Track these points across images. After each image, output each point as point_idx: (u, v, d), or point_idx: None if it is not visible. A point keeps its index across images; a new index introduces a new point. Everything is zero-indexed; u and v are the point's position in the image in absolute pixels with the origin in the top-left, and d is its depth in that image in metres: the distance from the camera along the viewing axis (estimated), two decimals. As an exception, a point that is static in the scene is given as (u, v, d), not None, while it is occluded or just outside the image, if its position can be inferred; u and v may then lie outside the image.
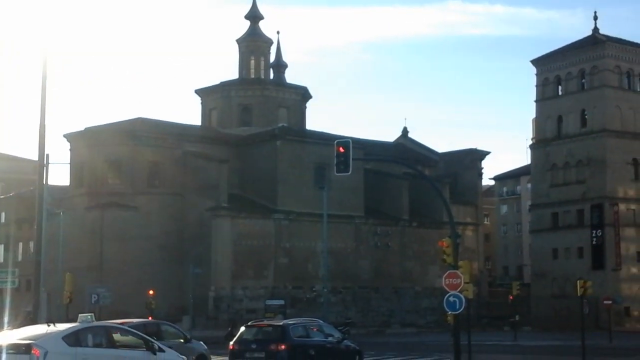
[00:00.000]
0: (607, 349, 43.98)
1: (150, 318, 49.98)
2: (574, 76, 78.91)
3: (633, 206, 76.08)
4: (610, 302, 56.87)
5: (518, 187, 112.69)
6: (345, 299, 71.04)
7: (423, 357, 36.29)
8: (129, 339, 20.15)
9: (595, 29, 79.71)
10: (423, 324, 73.93)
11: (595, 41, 78.32)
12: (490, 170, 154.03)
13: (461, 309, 28.25)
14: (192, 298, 58.60)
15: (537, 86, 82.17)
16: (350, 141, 28.56)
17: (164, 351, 20.52)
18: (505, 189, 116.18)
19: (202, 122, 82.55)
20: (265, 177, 69.62)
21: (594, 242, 74.69)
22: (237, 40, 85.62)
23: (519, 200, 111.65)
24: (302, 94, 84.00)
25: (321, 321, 29.59)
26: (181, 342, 27.43)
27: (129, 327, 26.20)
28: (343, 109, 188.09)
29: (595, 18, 79.86)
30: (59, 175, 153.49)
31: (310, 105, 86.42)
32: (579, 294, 38.26)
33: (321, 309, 57.67)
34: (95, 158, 67.31)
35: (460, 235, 64.42)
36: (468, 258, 64.27)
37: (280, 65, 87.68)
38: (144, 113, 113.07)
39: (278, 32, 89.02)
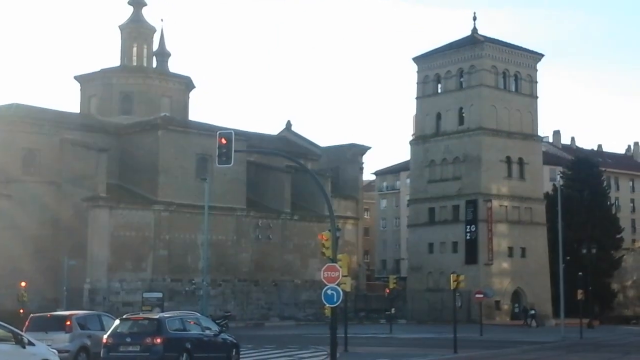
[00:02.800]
0: (477, 342, 45.49)
1: (21, 311, 48.47)
2: (453, 75, 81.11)
3: (505, 203, 78.85)
4: (481, 295, 58.70)
5: (398, 182, 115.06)
6: (224, 292, 70.68)
7: (300, 349, 36.52)
8: (-4, 332, 19.47)
9: (474, 30, 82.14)
10: (302, 317, 74.41)
11: (474, 41, 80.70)
12: (371, 165, 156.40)
13: (339, 302, 28.57)
14: (66, 290, 57.00)
15: (417, 83, 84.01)
16: (233, 133, 28.42)
17: (34, 344, 19.96)
18: (385, 184, 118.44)
19: (81, 109, 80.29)
20: (145, 168, 68.40)
21: (467, 237, 77.06)
22: (120, 27, 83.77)
23: (398, 195, 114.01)
24: (186, 84, 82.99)
25: (199, 314, 29.37)
26: None
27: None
28: (227, 101, 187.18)
29: (475, 19, 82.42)
30: None
31: (193, 95, 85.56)
32: (452, 288, 39.33)
33: (200, 302, 57.23)
34: (-35, 144, 64.45)
35: (341, 229, 65.26)
36: (347, 251, 65.29)
37: (163, 54, 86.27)
38: (20, 99, 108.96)
39: (162, 20, 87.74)
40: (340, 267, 29.10)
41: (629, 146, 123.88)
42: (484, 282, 73.23)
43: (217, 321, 37.79)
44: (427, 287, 79.67)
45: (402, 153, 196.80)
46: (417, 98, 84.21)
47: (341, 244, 61.24)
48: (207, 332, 26.12)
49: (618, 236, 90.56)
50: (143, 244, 66.06)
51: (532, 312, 71.43)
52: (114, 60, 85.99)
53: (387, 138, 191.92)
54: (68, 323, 26.69)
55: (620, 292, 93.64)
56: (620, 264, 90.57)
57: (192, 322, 25.93)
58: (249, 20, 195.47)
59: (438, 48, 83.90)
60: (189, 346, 24.54)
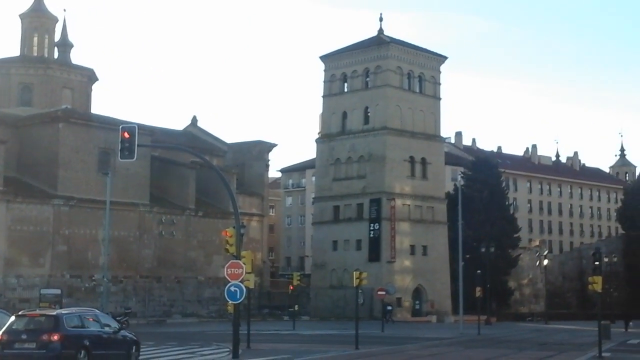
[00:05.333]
0: (379, 338, 46.11)
1: None
2: (359, 74, 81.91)
3: (408, 201, 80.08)
4: (383, 292, 59.45)
5: (303, 180, 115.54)
6: (126, 289, 69.43)
7: (202, 346, 36.23)
8: None
9: (381, 30, 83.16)
10: (205, 314, 73.86)
11: (380, 42, 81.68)
12: (277, 163, 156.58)
13: (242, 299, 28.54)
14: (-41, 286, 54.96)
15: (324, 82, 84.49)
16: (136, 127, 28.04)
17: None
18: (291, 181, 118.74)
19: (-23, 99, 77.61)
20: (45, 161, 66.56)
21: (371, 235, 77.96)
22: (20, 15, 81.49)
23: (303, 192, 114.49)
24: (89, 76, 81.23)
25: (98, 311, 28.78)
26: None
27: None
28: (131, 94, 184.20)
29: (381, 20, 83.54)
30: None
31: (96, 88, 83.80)
32: (355, 285, 39.69)
33: (100, 298, 56.14)
34: None
35: (245, 225, 65.14)
36: (252, 248, 65.09)
37: (65, 44, 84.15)
38: None
39: (64, 10, 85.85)
40: (244, 264, 29.08)
41: (527, 148, 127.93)
42: (387, 280, 74.24)
43: (117, 318, 37.18)
44: (331, 284, 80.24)
45: (308, 151, 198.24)
46: (323, 96, 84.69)
47: (246, 240, 61.15)
48: (107, 329, 25.61)
49: (515, 235, 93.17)
50: (41, 239, 64.28)
51: (389, 308, 71.58)
52: (13, 49, 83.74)
53: (293, 136, 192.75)
54: None
55: (517, 290, 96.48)
56: (517, 262, 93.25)
57: (91, 319, 25.37)
58: (155, 13, 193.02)
59: (345, 47, 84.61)
60: (88, 343, 24.01)
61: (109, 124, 65.11)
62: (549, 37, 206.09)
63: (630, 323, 61.96)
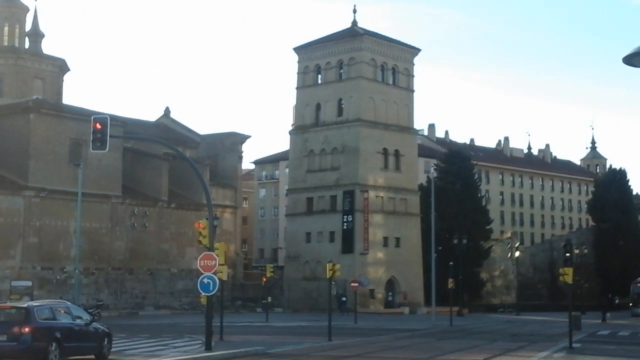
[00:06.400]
0: (352, 329, 46.24)
1: None
2: (333, 66, 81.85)
3: (381, 193, 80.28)
4: (357, 284, 59.57)
5: (277, 172, 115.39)
6: (97, 281, 69.03)
7: (175, 339, 36.10)
8: None
9: (354, 22, 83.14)
10: (178, 306, 73.63)
11: (354, 34, 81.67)
12: (251, 154, 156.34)
13: (215, 291, 28.48)
14: None
15: (298, 74, 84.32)
16: (108, 117, 27.78)
17: None
18: (264, 173, 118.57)
19: (-54, 89, 76.68)
20: (16, 152, 65.85)
21: (344, 227, 78.07)
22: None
23: (277, 184, 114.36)
24: (60, 66, 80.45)
25: (69, 303, 28.59)
26: None
27: None
28: (104, 85, 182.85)
29: (355, 11, 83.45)
30: None
31: (68, 78, 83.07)
32: (328, 277, 39.76)
33: (72, 290, 55.81)
34: None
35: (219, 217, 64.94)
36: (225, 240, 64.93)
37: (37, 34, 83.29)
38: None
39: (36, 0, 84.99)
40: (217, 255, 29.01)
41: (499, 141, 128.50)
42: (360, 271, 74.38)
43: (89, 310, 36.94)
44: (304, 275, 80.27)
45: (281, 143, 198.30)
46: (297, 88, 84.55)
47: (219, 232, 61.01)
48: (78, 321, 25.43)
49: (487, 227, 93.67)
50: (12, 231, 63.67)
51: (344, 299, 70.84)
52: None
53: (267, 127, 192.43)
54: None
55: (489, 282, 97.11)
56: (489, 254, 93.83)
57: (62, 311, 25.18)
58: (126, 4, 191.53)
59: (319, 39, 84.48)
60: (59, 335, 23.83)
61: (81, 115, 64.62)
62: (521, 30, 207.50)
63: (608, 314, 62.77)
